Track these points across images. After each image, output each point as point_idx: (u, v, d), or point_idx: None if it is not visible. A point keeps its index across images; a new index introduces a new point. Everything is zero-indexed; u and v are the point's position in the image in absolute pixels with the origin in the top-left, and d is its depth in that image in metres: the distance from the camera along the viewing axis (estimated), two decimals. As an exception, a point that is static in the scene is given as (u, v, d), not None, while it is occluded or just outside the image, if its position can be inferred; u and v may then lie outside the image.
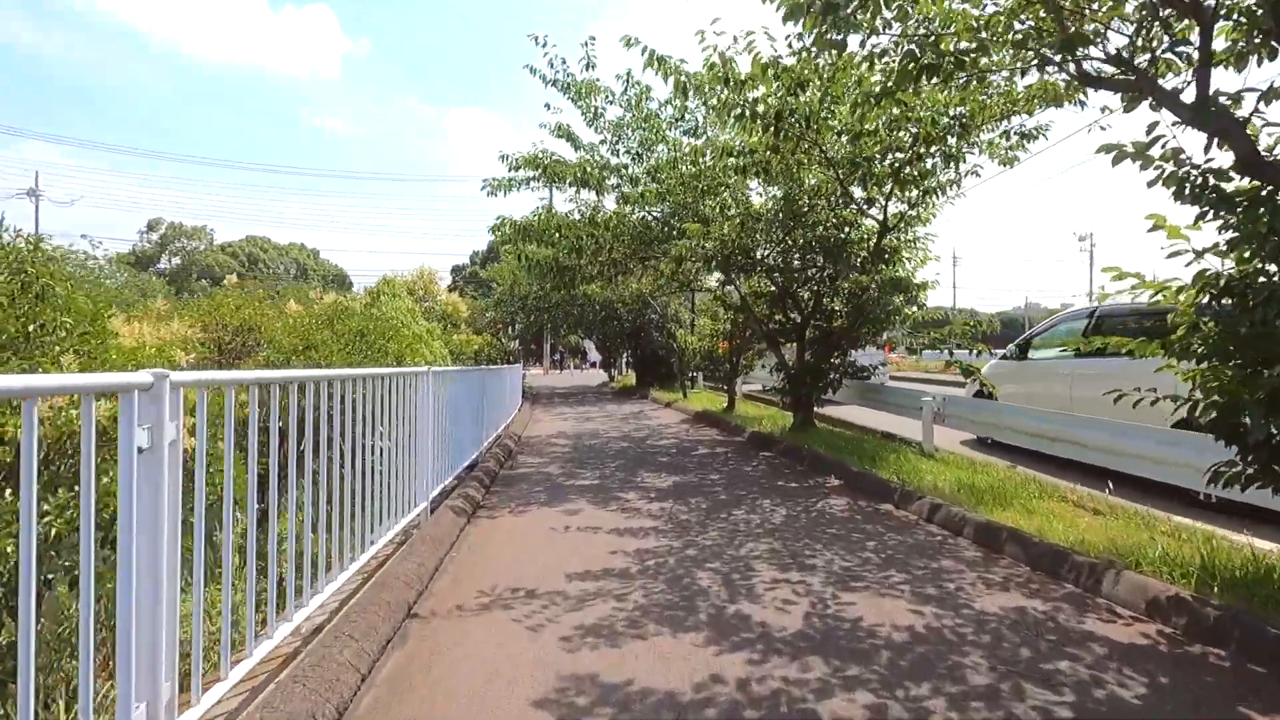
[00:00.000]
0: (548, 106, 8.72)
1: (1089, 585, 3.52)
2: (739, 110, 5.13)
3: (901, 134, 5.61)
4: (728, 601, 3.39)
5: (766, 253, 8.29)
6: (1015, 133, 5.48)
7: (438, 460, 5.62)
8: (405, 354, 11.54)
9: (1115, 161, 3.42)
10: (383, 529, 4.20)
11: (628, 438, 10.58)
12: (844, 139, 5.95)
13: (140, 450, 1.79)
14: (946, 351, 6.90)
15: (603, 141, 8.69)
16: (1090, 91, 4.78)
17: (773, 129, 5.24)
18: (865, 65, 4.05)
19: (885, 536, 4.61)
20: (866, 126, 5.25)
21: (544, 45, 8.13)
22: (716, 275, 11.78)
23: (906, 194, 7.17)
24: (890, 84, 3.39)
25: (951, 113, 5.12)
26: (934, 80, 3.28)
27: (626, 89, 8.08)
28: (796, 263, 8.78)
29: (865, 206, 7.01)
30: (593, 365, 48.47)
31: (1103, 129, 5.71)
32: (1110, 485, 5.39)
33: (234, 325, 7.65)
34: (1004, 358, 9.21)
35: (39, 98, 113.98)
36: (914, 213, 7.42)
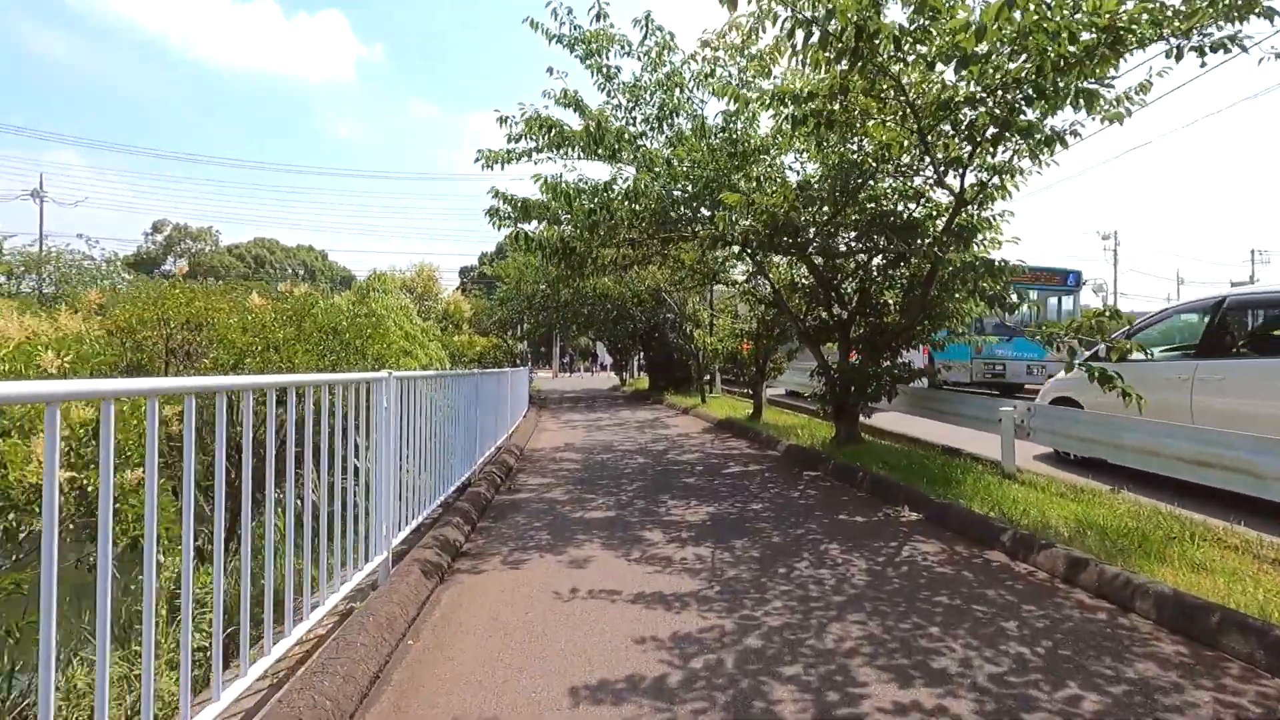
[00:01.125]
0: (551, 71, 7.35)
1: None
2: (805, 31, 3.82)
3: (1024, 61, 4.22)
4: (836, 760, 2.06)
5: (812, 235, 6.92)
6: (1191, 47, 4.09)
7: (407, 493, 4.34)
8: (390, 356, 10.29)
9: None
10: (319, 597, 2.93)
11: (645, 451, 9.27)
12: (936, 73, 4.60)
13: None
14: (1065, 351, 5.53)
15: (617, 107, 7.38)
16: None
17: (849, 56, 3.93)
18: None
19: (1022, 611, 3.26)
20: (977, 48, 3.90)
21: (547, -9, 6.85)
22: (742, 267, 10.45)
23: (988, 158, 5.83)
24: None
25: (1101, 22, 3.77)
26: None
27: (646, 36, 6.78)
28: (843, 247, 7.42)
29: (942, 172, 5.67)
30: (604, 368, 47.24)
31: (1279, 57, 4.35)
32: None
33: (180, 321, 6.40)
34: (1090, 359, 7.84)
35: (56, 102, 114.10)
36: (997, 181, 6.07)
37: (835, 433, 8.72)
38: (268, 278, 53.30)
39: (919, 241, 6.29)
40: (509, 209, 6.94)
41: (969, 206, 6.14)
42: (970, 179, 6.06)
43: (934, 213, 6.60)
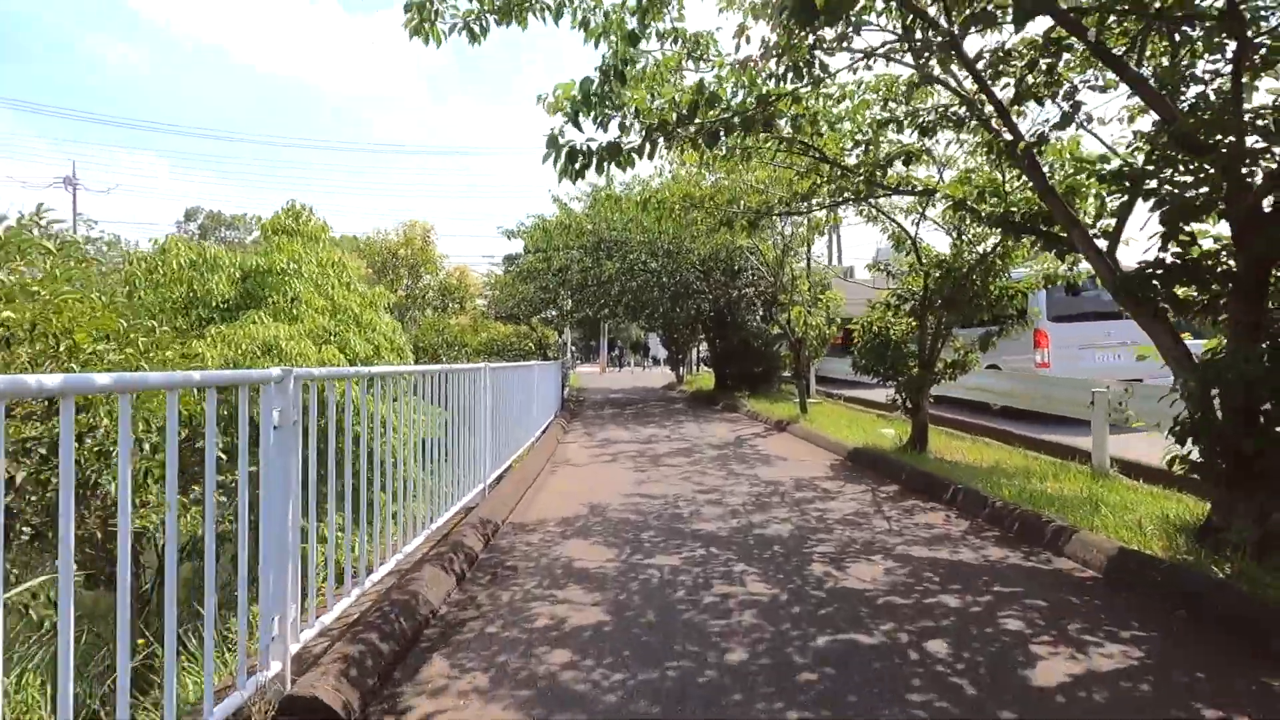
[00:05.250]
0: None
1: None
2: None
3: None
4: None
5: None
6: None
7: None
8: (282, 344, 5.80)
9: None
10: None
11: (751, 541, 4.32)
12: None
13: None
14: None
15: None
16: None
17: None
18: None
19: None
20: None
21: None
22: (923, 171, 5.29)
23: None
24: None
25: None
26: None
27: None
28: None
29: None
30: (657, 363, 42.36)
31: None
32: None
33: None
34: None
35: (129, 110, 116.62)
36: None
37: (1237, 515, 3.57)
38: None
39: None
40: None
41: None
42: None
43: None
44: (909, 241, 6.97)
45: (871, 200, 6.21)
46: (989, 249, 6.29)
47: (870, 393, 13.37)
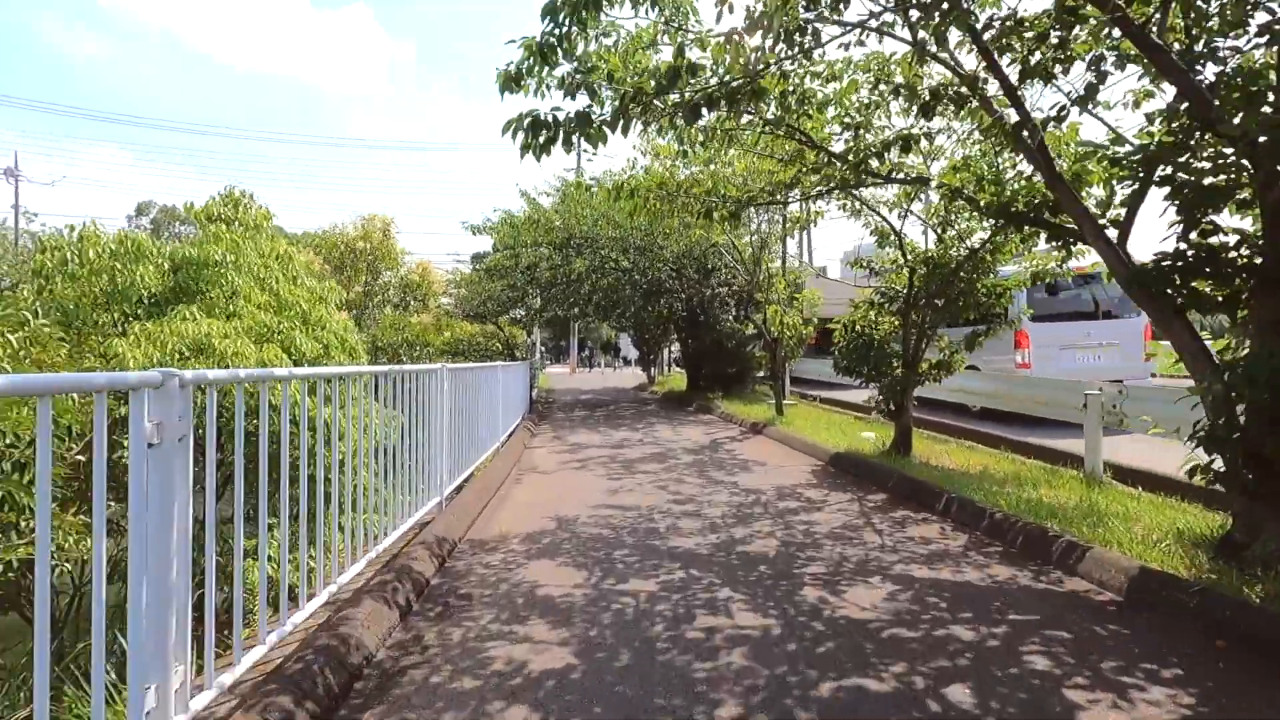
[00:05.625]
0: None
1: None
2: None
3: None
4: None
5: None
6: None
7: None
8: (217, 342, 5.22)
9: None
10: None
11: (732, 561, 3.91)
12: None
13: None
14: None
15: None
16: None
17: None
18: None
19: None
20: None
21: None
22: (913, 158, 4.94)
23: None
24: None
25: None
26: None
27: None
28: None
29: None
30: (628, 363, 41.95)
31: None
32: None
33: None
34: None
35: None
36: None
37: (1267, 521, 3.27)
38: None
39: None
40: None
41: None
42: None
43: None
44: (894, 236, 6.66)
45: (856, 192, 5.85)
46: (978, 244, 6.00)
47: (846, 394, 13.13)
